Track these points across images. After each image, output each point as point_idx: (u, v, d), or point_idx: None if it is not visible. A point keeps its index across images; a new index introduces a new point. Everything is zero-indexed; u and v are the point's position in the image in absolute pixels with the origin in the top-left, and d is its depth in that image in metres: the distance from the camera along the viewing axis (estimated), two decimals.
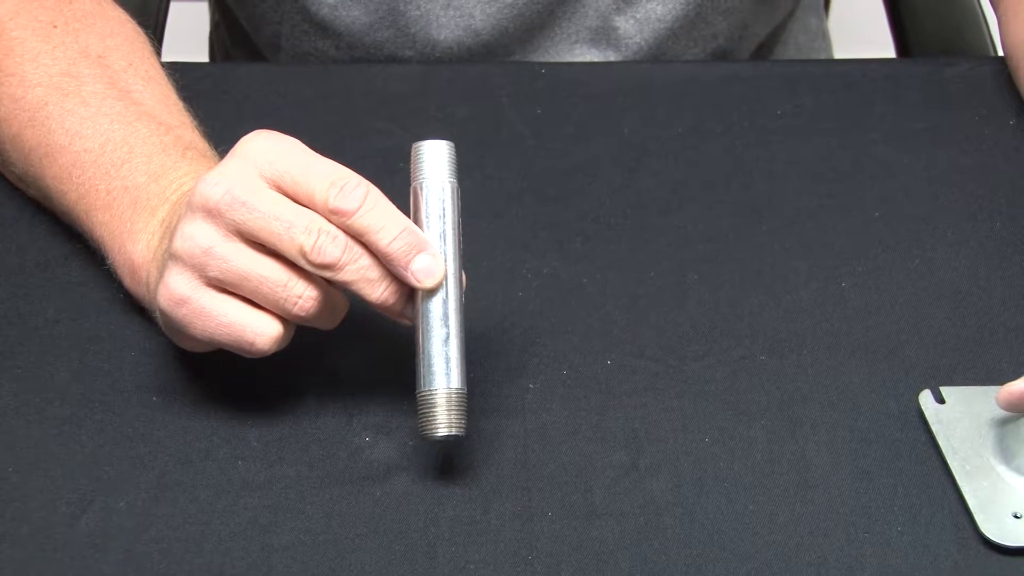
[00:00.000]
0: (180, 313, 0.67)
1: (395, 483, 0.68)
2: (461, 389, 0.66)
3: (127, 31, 0.82)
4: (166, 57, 0.87)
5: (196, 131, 0.77)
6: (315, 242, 0.65)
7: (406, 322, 0.68)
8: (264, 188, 0.66)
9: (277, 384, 0.72)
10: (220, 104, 0.88)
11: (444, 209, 0.67)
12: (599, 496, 0.68)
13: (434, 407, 0.66)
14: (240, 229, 0.65)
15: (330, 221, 0.65)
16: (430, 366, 0.66)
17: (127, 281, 0.73)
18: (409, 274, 0.66)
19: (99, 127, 0.76)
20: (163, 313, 0.68)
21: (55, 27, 0.79)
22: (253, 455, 0.69)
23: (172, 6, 1.12)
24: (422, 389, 0.66)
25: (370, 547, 0.66)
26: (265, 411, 0.71)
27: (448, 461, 0.69)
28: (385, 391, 0.72)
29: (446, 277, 0.67)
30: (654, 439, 0.70)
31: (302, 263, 0.65)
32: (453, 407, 0.66)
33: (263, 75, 0.94)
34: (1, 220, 0.81)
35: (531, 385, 0.73)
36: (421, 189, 0.67)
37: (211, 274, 0.66)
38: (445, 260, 0.67)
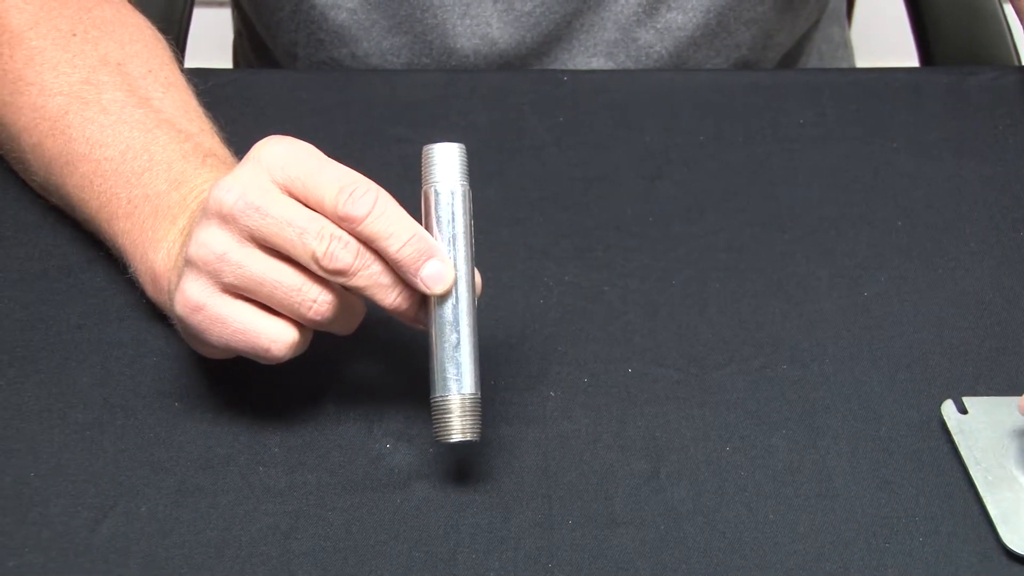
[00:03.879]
0: (196, 319, 0.67)
1: (415, 490, 0.68)
2: (474, 394, 0.66)
3: (147, 38, 0.82)
4: (190, 63, 0.87)
5: (216, 137, 0.78)
6: (327, 248, 0.65)
7: (421, 327, 0.68)
8: (277, 193, 0.66)
9: (299, 391, 0.72)
10: (242, 110, 0.88)
11: (454, 213, 0.67)
12: (619, 504, 0.68)
13: (447, 413, 0.66)
14: (254, 235, 0.66)
15: (340, 227, 0.65)
16: (442, 372, 0.66)
17: (149, 289, 0.73)
18: (419, 280, 0.66)
19: (119, 135, 0.76)
20: (179, 319, 0.68)
21: (74, 35, 0.80)
22: (274, 461, 0.70)
23: (196, 12, 1.12)
24: (435, 395, 0.66)
25: (391, 554, 0.66)
26: (286, 418, 0.71)
27: (468, 468, 0.69)
28: (406, 398, 0.72)
29: (456, 282, 0.67)
30: (675, 448, 0.70)
31: (315, 268, 0.65)
32: (466, 412, 0.66)
33: (285, 82, 0.94)
34: (25, 225, 0.81)
35: (552, 393, 0.73)
36: (431, 193, 0.67)
37: (226, 280, 0.66)
38: (455, 265, 0.67)
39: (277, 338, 0.67)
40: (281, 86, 0.92)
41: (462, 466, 0.69)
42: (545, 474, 0.69)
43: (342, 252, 0.65)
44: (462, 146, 0.68)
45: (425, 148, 0.68)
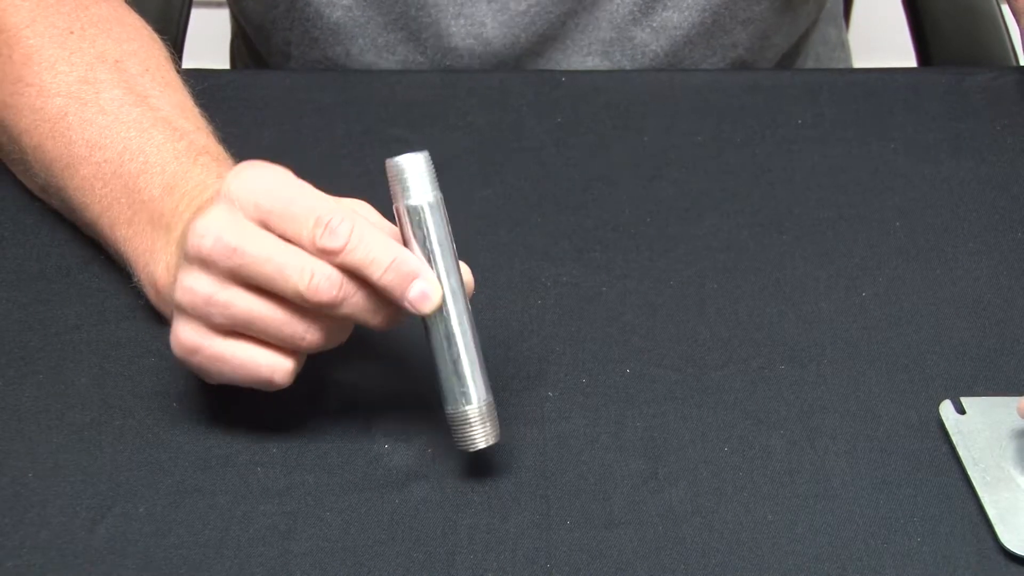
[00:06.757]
0: (195, 361, 0.68)
1: (414, 490, 0.68)
2: (486, 400, 0.67)
3: (144, 37, 0.82)
4: (188, 63, 0.87)
5: (211, 136, 0.78)
6: (309, 282, 0.65)
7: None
8: (253, 230, 0.66)
9: (297, 391, 0.72)
10: (240, 111, 0.88)
11: (428, 228, 0.66)
12: (618, 505, 0.68)
13: (463, 425, 0.67)
14: (235, 274, 0.66)
15: (320, 259, 0.65)
16: (449, 387, 0.67)
17: (152, 298, 0.74)
18: (406, 304, 0.66)
19: (117, 136, 0.76)
20: (178, 360, 0.68)
21: (72, 33, 0.80)
22: (272, 461, 0.70)
23: (194, 13, 1.12)
24: (447, 409, 0.67)
25: (389, 554, 0.66)
26: (285, 418, 0.71)
27: (466, 469, 0.69)
28: (404, 399, 0.72)
29: (444, 297, 0.66)
30: (673, 448, 0.70)
31: (300, 302, 0.66)
32: (484, 420, 0.67)
33: (283, 82, 0.94)
34: (23, 226, 0.81)
35: (550, 393, 0.73)
36: (402, 211, 0.66)
37: (216, 321, 0.66)
38: (440, 280, 0.66)
39: (277, 367, 0.67)
40: (279, 87, 0.92)
41: (460, 466, 0.69)
42: (543, 474, 0.69)
43: (325, 285, 0.65)
44: (426, 154, 0.66)
45: (388, 163, 0.66)
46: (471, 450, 0.67)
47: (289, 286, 0.65)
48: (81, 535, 0.66)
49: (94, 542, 0.66)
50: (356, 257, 0.65)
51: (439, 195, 0.67)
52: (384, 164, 0.67)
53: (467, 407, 0.66)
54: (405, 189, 0.66)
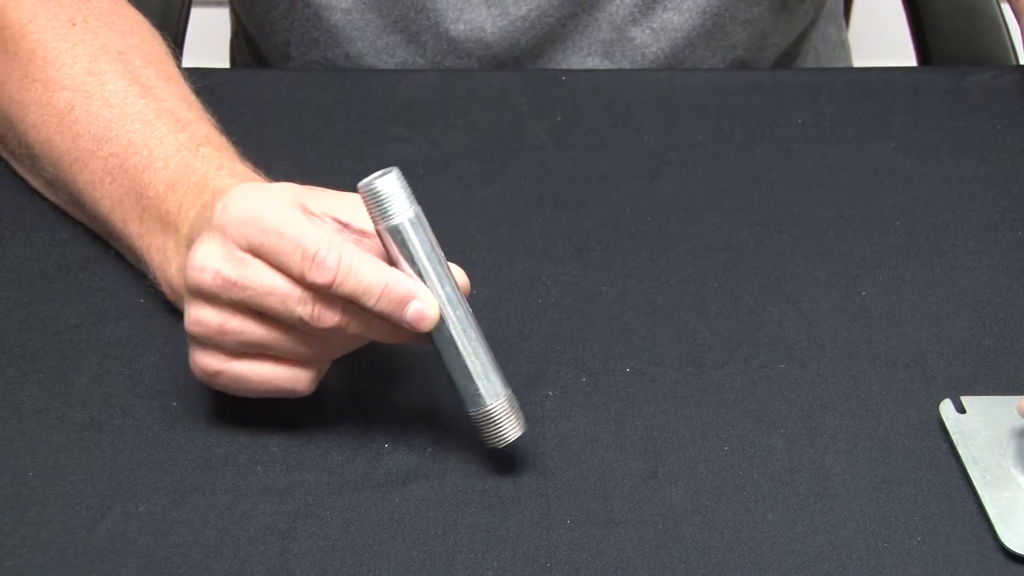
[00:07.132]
0: (218, 383, 0.69)
1: (414, 489, 0.68)
2: (501, 398, 0.67)
3: (144, 32, 0.82)
4: (188, 62, 0.87)
5: (214, 127, 0.78)
6: (312, 312, 0.66)
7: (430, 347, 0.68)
8: (250, 261, 0.66)
9: None
10: (240, 110, 0.88)
11: (412, 246, 0.66)
12: (618, 504, 0.68)
13: (486, 424, 0.67)
14: (240, 305, 0.66)
15: (314, 291, 0.66)
16: (465, 391, 0.67)
17: (169, 296, 0.74)
18: (405, 325, 0.66)
19: (122, 129, 0.76)
20: (201, 381, 0.69)
21: (74, 24, 0.80)
22: (273, 460, 0.70)
23: (194, 12, 1.12)
24: (466, 411, 0.68)
25: (389, 553, 0.66)
26: (285, 417, 0.71)
27: (466, 468, 0.69)
28: (404, 398, 0.72)
29: (443, 309, 0.66)
30: (673, 447, 0.70)
31: (308, 330, 0.66)
32: (507, 414, 0.67)
33: (283, 81, 0.94)
34: (23, 225, 0.81)
35: (550, 392, 0.73)
36: (384, 232, 0.66)
37: (231, 348, 0.67)
38: (435, 293, 0.66)
39: (299, 379, 0.68)
40: (279, 86, 0.92)
41: (460, 465, 0.69)
42: (543, 473, 0.69)
43: (327, 313, 0.66)
44: (396, 171, 0.66)
45: (360, 187, 0.66)
46: (501, 445, 0.67)
47: (294, 317, 0.66)
48: (81, 534, 0.66)
49: (94, 541, 0.66)
50: (347, 288, 0.65)
51: (417, 208, 0.66)
52: (384, 168, 0.66)
53: (489, 406, 0.67)
54: (383, 211, 0.66)
